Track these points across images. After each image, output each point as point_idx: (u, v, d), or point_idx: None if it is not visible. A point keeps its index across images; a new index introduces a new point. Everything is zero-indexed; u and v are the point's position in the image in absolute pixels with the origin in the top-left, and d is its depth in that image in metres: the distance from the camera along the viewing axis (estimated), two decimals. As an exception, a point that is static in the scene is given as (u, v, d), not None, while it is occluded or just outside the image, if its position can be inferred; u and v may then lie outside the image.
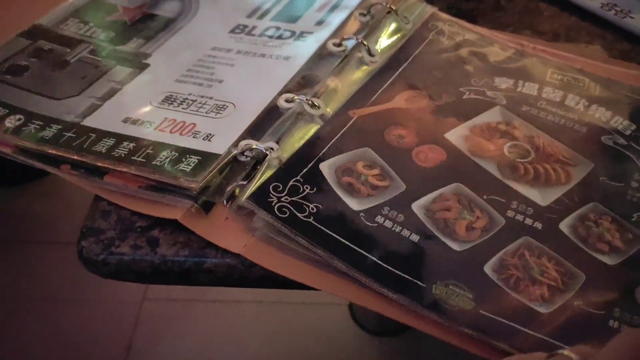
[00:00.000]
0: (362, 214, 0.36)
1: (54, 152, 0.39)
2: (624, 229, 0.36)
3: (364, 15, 0.51)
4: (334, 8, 0.52)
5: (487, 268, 0.34)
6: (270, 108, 0.42)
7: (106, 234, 0.36)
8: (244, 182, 0.37)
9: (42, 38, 0.49)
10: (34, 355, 1.07)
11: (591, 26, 0.52)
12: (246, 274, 0.35)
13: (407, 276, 0.33)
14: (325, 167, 0.38)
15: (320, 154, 0.39)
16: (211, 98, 0.43)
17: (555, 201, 0.37)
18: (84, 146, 0.39)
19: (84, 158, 0.38)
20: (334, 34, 0.49)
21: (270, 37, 0.49)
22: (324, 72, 0.45)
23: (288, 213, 0.35)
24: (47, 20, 0.51)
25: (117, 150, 0.39)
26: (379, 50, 0.48)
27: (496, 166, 0.39)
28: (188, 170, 0.37)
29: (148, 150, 0.39)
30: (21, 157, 0.40)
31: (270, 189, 0.36)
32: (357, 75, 0.46)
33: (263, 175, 0.37)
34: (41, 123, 0.41)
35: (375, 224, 0.35)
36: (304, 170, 0.38)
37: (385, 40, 0.49)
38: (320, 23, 0.51)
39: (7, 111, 0.42)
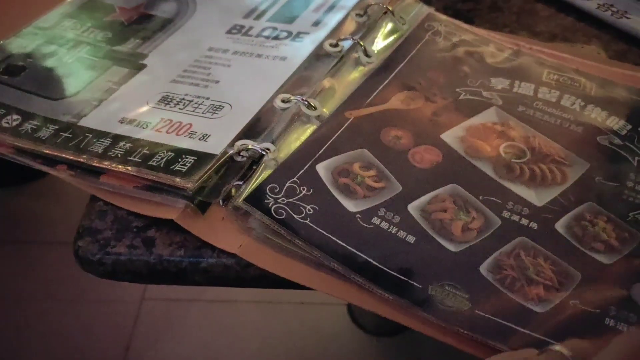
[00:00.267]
0: (358, 215, 0.36)
1: (50, 152, 0.39)
2: (620, 228, 0.36)
3: (361, 15, 0.51)
4: (331, 9, 0.52)
5: (483, 269, 0.34)
6: (266, 109, 0.42)
7: (102, 234, 0.36)
8: (240, 183, 0.37)
9: (39, 38, 0.49)
10: (32, 355, 1.07)
11: (587, 27, 0.52)
12: (242, 274, 0.35)
13: (403, 277, 0.33)
14: (322, 169, 0.38)
15: (317, 155, 0.39)
16: (207, 98, 0.43)
17: (551, 201, 0.37)
18: (81, 146, 0.39)
19: (80, 158, 0.38)
20: (331, 35, 0.49)
21: (267, 37, 0.49)
22: (320, 73, 0.45)
23: (285, 214, 0.35)
24: (45, 20, 0.51)
25: (113, 151, 0.39)
26: (376, 51, 0.48)
27: (492, 167, 0.39)
28: (184, 170, 0.37)
29: (144, 151, 0.39)
30: (18, 158, 0.40)
31: (267, 190, 0.36)
32: (354, 75, 0.46)
33: (260, 176, 0.37)
34: (38, 123, 0.41)
35: (372, 226, 0.35)
36: (301, 172, 0.38)
37: (381, 40, 0.49)
38: (316, 24, 0.51)
39: (4, 111, 0.42)
